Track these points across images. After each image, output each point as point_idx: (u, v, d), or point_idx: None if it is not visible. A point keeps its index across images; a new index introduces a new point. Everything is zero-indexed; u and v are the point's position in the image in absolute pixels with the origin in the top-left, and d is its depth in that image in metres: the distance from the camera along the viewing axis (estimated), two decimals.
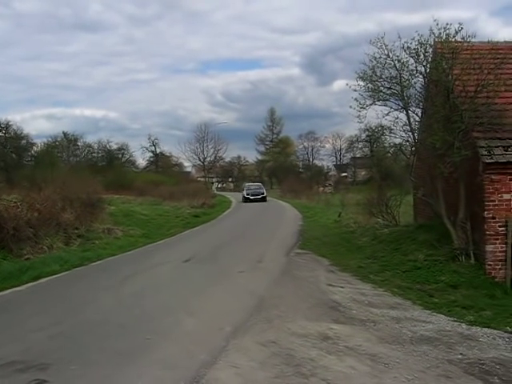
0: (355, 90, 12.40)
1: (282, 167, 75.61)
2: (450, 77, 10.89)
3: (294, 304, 8.22)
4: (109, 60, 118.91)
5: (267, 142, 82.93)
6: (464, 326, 7.02)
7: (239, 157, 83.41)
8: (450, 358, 5.71)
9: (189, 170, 76.81)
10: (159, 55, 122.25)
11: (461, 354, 5.87)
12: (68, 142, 65.13)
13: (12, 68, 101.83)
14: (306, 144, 79.75)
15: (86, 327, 7.11)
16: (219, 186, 73.93)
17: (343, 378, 5.16)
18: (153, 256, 14.12)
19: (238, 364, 5.52)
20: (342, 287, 9.54)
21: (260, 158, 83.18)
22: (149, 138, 73.44)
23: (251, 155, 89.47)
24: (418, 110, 12.38)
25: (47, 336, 6.64)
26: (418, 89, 12.15)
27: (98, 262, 13.09)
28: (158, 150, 73.86)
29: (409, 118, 12.14)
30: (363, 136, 17.37)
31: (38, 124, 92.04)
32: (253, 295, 8.87)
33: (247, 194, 46.00)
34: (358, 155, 65.82)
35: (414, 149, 12.88)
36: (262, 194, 46.00)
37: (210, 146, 72.76)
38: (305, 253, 14.00)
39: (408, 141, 12.49)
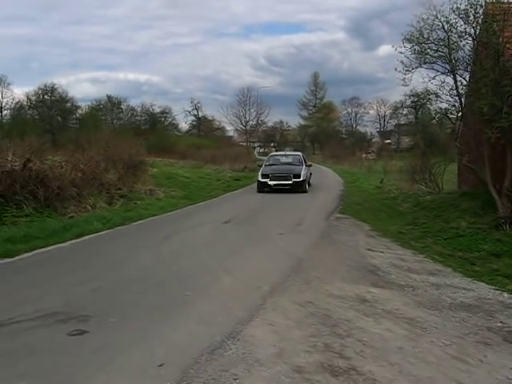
0: (401, 53, 12.13)
1: (324, 133, 75.02)
2: (501, 39, 10.50)
3: (333, 267, 8.19)
4: (151, 24, 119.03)
5: (310, 107, 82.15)
6: (506, 295, 6.84)
7: (281, 122, 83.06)
8: (490, 326, 5.59)
9: (231, 134, 76.96)
10: (202, 19, 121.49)
11: (501, 322, 5.74)
12: (112, 105, 65.98)
13: (56, 32, 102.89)
14: (349, 110, 78.98)
15: (126, 283, 7.24)
16: (261, 150, 73.80)
17: (379, 340, 5.11)
18: (193, 217, 14.25)
19: (274, 322, 5.53)
20: (381, 252, 9.45)
21: (302, 123, 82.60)
22: (191, 102, 73.89)
23: (294, 120, 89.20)
24: (466, 73, 12.03)
25: (88, 290, 6.79)
26: (467, 51, 11.81)
27: (140, 221, 13.27)
28: (201, 114, 74.22)
29: (456, 82, 11.81)
30: (408, 102, 16.99)
31: (82, 87, 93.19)
32: (291, 257, 8.87)
33: (264, 177, 21.97)
34: (402, 122, 64.67)
35: (460, 114, 12.56)
36: (297, 175, 21.65)
37: (252, 110, 72.69)
38: (345, 217, 13.90)
39: (454, 106, 12.20)
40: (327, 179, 29.36)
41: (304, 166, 22.66)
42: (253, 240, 10.45)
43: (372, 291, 6.83)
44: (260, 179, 21.88)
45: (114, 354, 4.70)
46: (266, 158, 26.76)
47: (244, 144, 69.24)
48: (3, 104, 59.87)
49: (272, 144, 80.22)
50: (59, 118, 59.82)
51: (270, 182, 21.32)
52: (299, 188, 21.08)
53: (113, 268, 8.19)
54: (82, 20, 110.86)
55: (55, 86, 59.82)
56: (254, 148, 71.25)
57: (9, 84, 60.09)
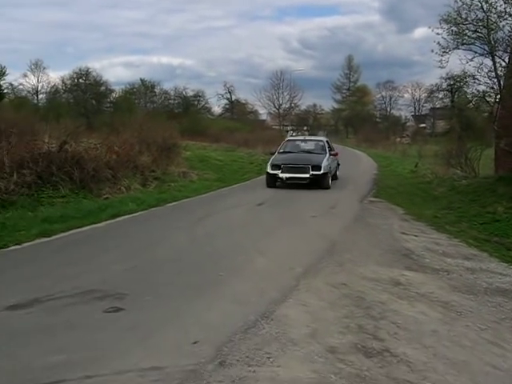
0: (438, 34, 11.91)
1: (358, 116, 74.24)
2: None
3: (366, 249, 8.14)
4: (185, 7, 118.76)
5: (344, 91, 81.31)
6: None
7: (315, 105, 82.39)
8: None
9: (264, 117, 76.80)
10: (235, 2, 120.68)
11: None
12: (145, 88, 66.31)
13: (90, 16, 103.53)
14: (383, 93, 77.85)
15: (160, 263, 7.32)
16: (294, 134, 73.43)
17: (413, 323, 5.09)
18: (226, 199, 14.32)
19: (307, 303, 5.55)
20: (415, 236, 9.36)
21: (336, 106, 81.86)
22: (224, 85, 73.80)
23: (327, 104, 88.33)
24: (506, 54, 11.76)
25: (123, 269, 6.88)
26: (507, 32, 11.53)
27: (174, 203, 13.37)
28: (234, 98, 74.13)
29: (495, 64, 11.59)
30: (444, 85, 16.70)
31: (116, 71, 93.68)
32: (325, 239, 8.84)
33: (275, 168, 17.11)
34: (437, 105, 63.51)
35: (498, 97, 12.30)
36: (316, 166, 16.65)
37: (285, 93, 72.49)
38: (379, 201, 13.80)
39: (493, 88, 12.00)
40: (360, 163, 29.11)
41: (327, 155, 17.59)
42: (286, 222, 10.45)
43: (406, 274, 6.78)
44: (269, 171, 16.95)
45: (149, 331, 4.77)
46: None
47: (277, 127, 69.11)
48: (39, 88, 60.74)
49: (305, 127, 79.75)
50: (93, 102, 60.43)
51: (281, 175, 16.50)
52: (320, 183, 16.36)
53: (147, 248, 8.28)
54: (116, 4, 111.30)
55: (89, 70, 60.44)
56: (287, 131, 70.85)
57: (44, 68, 60.93)
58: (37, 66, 60.06)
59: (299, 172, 16.44)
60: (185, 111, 59.00)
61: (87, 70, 60.36)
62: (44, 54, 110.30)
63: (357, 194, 15.04)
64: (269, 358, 4.24)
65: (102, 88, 61.18)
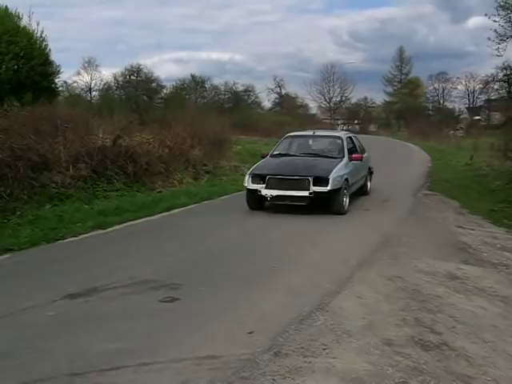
0: (495, 21, 11.54)
1: (410, 109, 72.73)
2: None
3: (421, 243, 7.99)
4: (233, 2, 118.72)
5: (395, 83, 79.83)
6: None
7: (365, 98, 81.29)
8: None
9: (314, 111, 76.38)
10: None
11: None
12: (195, 84, 66.81)
13: (140, 14, 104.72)
14: (436, 85, 76.01)
15: (214, 254, 7.37)
16: (344, 128, 72.68)
17: (472, 317, 4.97)
18: None
19: (362, 295, 5.49)
20: (472, 229, 9.13)
21: (387, 99, 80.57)
22: (274, 80, 73.65)
23: (378, 97, 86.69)
24: None
25: (177, 260, 6.98)
26: None
27: (226, 196, 13.45)
28: (283, 92, 73.99)
29: None
30: (500, 75, 16.16)
31: (166, 68, 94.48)
32: (378, 232, 8.72)
33: (256, 179, 10.81)
34: (492, 97, 61.76)
35: None
36: (321, 179, 10.30)
37: (336, 87, 71.88)
38: (433, 194, 13.52)
39: None
40: (414, 155, 28.56)
41: (345, 161, 11.43)
42: (339, 216, 10.34)
43: (463, 268, 6.63)
44: (247, 184, 10.92)
45: (204, 321, 4.82)
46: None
47: (327, 121, 68.68)
48: (92, 85, 61.97)
49: (356, 121, 78.90)
50: (145, 98, 61.28)
51: (264, 192, 10.54)
52: (328, 205, 10.48)
53: (201, 240, 8.36)
54: (165, 1, 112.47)
55: (141, 67, 61.26)
56: (338, 125, 70.29)
57: (97, 66, 61.97)
58: (90, 64, 61.22)
59: (293, 188, 10.29)
60: (235, 106, 59.28)
61: (138, 67, 61.26)
62: (96, 52, 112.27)
63: (410, 187, 14.71)
64: (324, 349, 4.21)
65: (153, 84, 61.99)
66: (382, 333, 4.53)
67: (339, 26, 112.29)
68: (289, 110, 67.30)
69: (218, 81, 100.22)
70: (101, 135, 13.90)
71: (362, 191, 12.76)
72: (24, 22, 20.95)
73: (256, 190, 10.57)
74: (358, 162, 11.87)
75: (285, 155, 11.90)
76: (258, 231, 9.02)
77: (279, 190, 10.33)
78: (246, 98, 67.87)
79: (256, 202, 10.85)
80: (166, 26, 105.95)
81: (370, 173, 13.76)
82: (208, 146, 18.15)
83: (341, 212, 10.41)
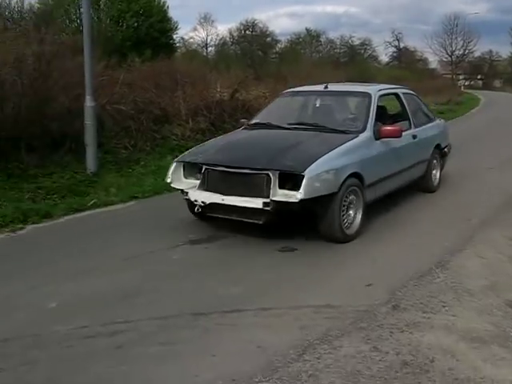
0: None
1: None
2: None
3: None
4: None
5: None
6: None
7: (490, 51, 76.72)
8: None
9: (433, 66, 73.24)
10: None
11: None
12: (310, 38, 66.05)
13: None
14: None
15: None
16: (466, 83, 69.18)
17: None
18: None
19: (484, 255, 5.27)
20: None
21: None
22: (392, 33, 71.37)
23: (504, 50, 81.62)
24: None
25: None
26: None
27: None
28: (402, 45, 71.48)
29: None
30: None
31: (280, 22, 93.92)
32: (502, 192, 8.18)
33: (187, 169, 6.18)
34: None
35: None
36: (295, 172, 5.28)
37: (458, 39, 68.32)
38: None
39: None
40: None
41: (361, 138, 6.20)
42: (460, 173, 9.89)
43: None
44: (172, 180, 6.24)
45: (323, 271, 4.91)
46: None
47: (448, 76, 65.61)
48: (208, 41, 62.98)
49: (479, 76, 74.85)
50: (260, 53, 61.48)
51: (192, 194, 5.83)
52: (317, 224, 5.66)
53: None
54: None
55: (256, 22, 61.47)
56: (459, 81, 67.03)
57: (213, 21, 62.95)
58: (206, 20, 62.26)
59: (239, 190, 5.56)
60: (351, 60, 58.08)
61: (253, 22, 61.45)
62: (212, 8, 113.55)
63: None
64: (444, 306, 4.12)
65: (268, 39, 62.00)
66: (506, 294, 4.35)
67: None
68: (407, 65, 64.98)
69: (333, 35, 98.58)
70: (218, 89, 14.15)
71: (421, 186, 8.02)
72: None
73: (183, 191, 5.99)
74: (395, 139, 6.53)
75: (264, 127, 6.94)
76: None
77: (219, 193, 5.61)
78: (362, 52, 66.30)
79: (194, 210, 5.96)
80: None
81: (441, 155, 8.56)
82: None
83: (336, 239, 5.62)
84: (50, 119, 9.32)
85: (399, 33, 71.30)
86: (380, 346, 3.47)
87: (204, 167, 5.86)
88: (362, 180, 5.91)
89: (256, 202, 5.32)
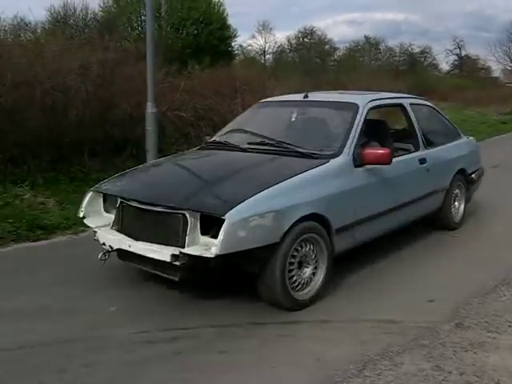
0: None
1: None
2: None
3: None
4: None
5: None
6: None
7: None
8: None
9: (496, 74, 71.33)
10: None
11: None
12: (369, 45, 65.43)
13: None
14: None
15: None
16: None
17: None
18: None
19: None
20: None
21: None
22: (453, 40, 69.74)
23: None
24: None
25: None
26: None
27: None
28: (463, 53, 69.95)
29: None
30: None
31: (339, 29, 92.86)
32: None
33: (105, 202, 4.78)
34: None
35: None
36: (216, 219, 3.72)
37: None
38: None
39: None
40: None
41: (332, 165, 4.60)
42: None
43: None
44: (85, 213, 4.81)
45: (383, 286, 4.83)
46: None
47: (511, 85, 63.75)
48: (266, 48, 63.22)
49: None
50: (318, 60, 61.34)
51: (101, 238, 4.44)
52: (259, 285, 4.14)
53: None
54: None
55: (314, 29, 61.43)
56: None
57: (271, 29, 62.90)
58: (264, 27, 62.40)
59: (151, 234, 4.11)
60: (410, 68, 57.23)
61: (312, 29, 61.42)
62: (271, 16, 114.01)
63: None
64: (510, 326, 3.96)
65: (326, 46, 61.84)
66: None
67: None
68: (468, 73, 63.55)
69: (392, 42, 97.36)
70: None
71: (437, 223, 6.51)
72: None
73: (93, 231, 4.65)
74: (385, 166, 4.85)
75: (219, 146, 5.54)
76: None
77: (132, 236, 4.27)
78: (422, 60, 65.21)
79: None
80: None
81: (467, 182, 6.87)
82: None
83: (279, 305, 4.18)
84: (113, 125, 9.55)
85: (461, 40, 69.64)
86: (443, 365, 3.35)
87: (119, 200, 4.50)
88: (327, 224, 4.35)
89: (163, 253, 3.87)
